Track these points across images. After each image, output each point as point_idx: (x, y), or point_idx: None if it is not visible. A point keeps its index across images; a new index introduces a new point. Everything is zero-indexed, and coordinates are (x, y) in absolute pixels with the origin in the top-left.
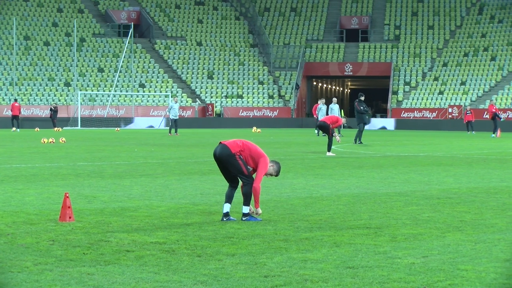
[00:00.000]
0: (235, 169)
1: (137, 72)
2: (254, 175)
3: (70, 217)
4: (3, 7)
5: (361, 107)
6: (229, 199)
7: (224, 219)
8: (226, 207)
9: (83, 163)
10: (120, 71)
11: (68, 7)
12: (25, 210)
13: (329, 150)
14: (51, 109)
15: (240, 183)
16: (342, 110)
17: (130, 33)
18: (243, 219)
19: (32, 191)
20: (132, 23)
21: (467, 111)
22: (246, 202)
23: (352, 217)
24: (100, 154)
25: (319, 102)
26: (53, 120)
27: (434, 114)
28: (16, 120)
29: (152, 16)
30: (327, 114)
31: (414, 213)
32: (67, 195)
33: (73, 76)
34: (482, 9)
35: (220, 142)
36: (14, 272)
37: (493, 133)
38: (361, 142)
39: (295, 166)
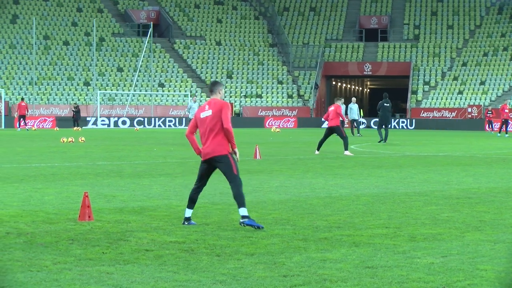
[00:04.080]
0: (225, 168)
1: (156, 71)
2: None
3: (89, 217)
4: (23, 7)
5: None
6: (191, 203)
7: (186, 223)
8: (188, 212)
9: (102, 163)
10: (140, 71)
11: (87, 6)
12: (44, 210)
13: (346, 149)
14: (73, 110)
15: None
16: (361, 110)
17: (149, 32)
18: (241, 221)
19: (51, 190)
20: (152, 22)
21: (488, 111)
22: (239, 204)
23: (371, 217)
24: (119, 153)
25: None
26: (77, 120)
27: (454, 114)
28: (23, 120)
29: (172, 16)
30: (346, 114)
31: (433, 213)
32: (87, 194)
33: (93, 75)
34: (501, 9)
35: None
36: (34, 271)
37: (506, 133)
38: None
39: (314, 165)
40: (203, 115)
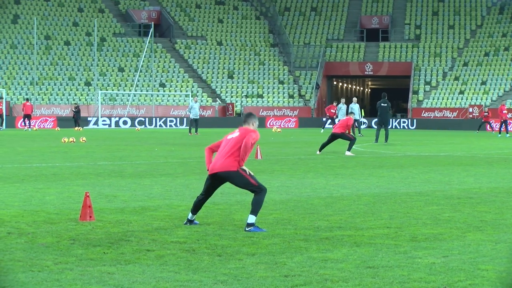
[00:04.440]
0: (242, 184)
1: (157, 71)
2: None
3: (90, 217)
4: (24, 7)
5: None
6: (195, 209)
7: (188, 224)
8: (191, 216)
9: (103, 163)
10: (141, 71)
11: (88, 6)
12: (45, 210)
13: (349, 149)
14: (73, 110)
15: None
16: (362, 110)
17: (150, 32)
18: (247, 229)
19: (52, 190)
20: (153, 22)
21: (484, 112)
22: (253, 212)
23: (373, 217)
24: (120, 153)
25: (334, 103)
26: (77, 120)
27: (455, 114)
28: (28, 120)
29: (173, 16)
30: (347, 113)
31: (434, 213)
32: (88, 194)
33: (94, 75)
34: (503, 9)
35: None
36: (35, 271)
37: (507, 133)
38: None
39: (315, 165)
40: (230, 136)
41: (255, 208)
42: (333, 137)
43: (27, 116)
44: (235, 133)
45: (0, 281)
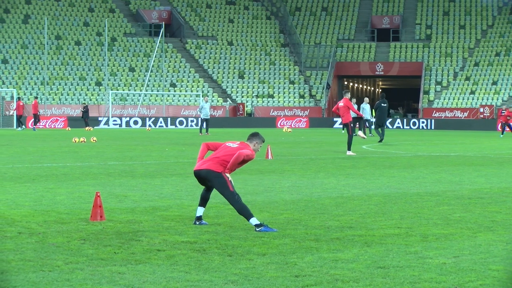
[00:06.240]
0: (220, 185)
1: (168, 71)
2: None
3: (101, 216)
4: (35, 7)
5: None
6: (203, 201)
7: (197, 223)
8: (200, 211)
9: (114, 162)
10: (151, 71)
11: (99, 6)
12: (56, 209)
13: (348, 148)
14: (82, 110)
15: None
16: (373, 110)
17: (161, 32)
18: (257, 230)
19: (63, 190)
20: (163, 22)
21: (502, 110)
22: (247, 217)
23: (383, 217)
24: (131, 153)
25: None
26: (85, 119)
27: (466, 114)
28: (20, 120)
29: (183, 16)
30: None
31: (445, 213)
32: (98, 194)
33: (104, 75)
34: None
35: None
36: (45, 271)
37: (502, 134)
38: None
39: (326, 165)
40: (229, 144)
41: (246, 214)
42: (345, 127)
43: (20, 117)
44: (235, 144)
45: (11, 281)
